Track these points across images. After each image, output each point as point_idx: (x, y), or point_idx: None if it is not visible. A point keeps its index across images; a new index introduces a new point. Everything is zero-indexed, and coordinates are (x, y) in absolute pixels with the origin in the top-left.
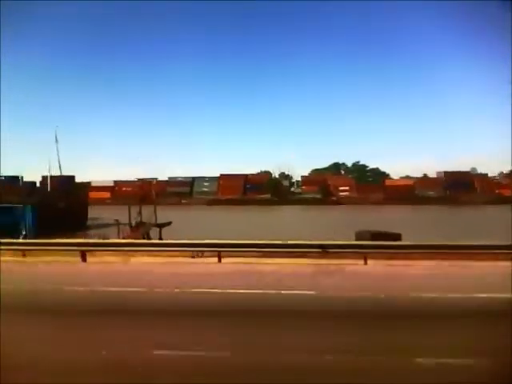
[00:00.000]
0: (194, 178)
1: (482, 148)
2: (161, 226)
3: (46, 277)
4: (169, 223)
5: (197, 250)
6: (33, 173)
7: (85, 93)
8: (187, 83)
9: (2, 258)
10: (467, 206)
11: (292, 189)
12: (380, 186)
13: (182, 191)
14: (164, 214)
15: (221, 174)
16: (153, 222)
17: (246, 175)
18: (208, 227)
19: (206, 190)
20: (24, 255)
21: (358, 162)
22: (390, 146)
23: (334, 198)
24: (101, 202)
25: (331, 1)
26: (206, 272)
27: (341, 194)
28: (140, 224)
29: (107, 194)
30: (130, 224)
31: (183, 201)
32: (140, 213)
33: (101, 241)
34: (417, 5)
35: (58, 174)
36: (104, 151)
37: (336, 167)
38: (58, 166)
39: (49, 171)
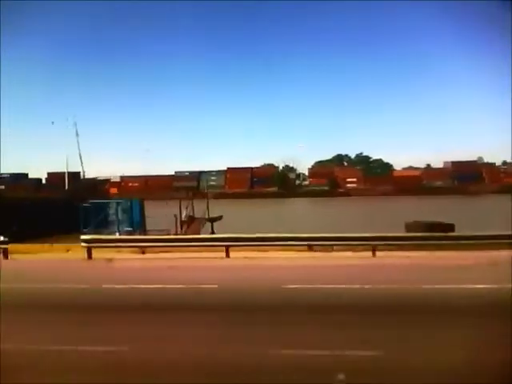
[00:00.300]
0: (200, 172)
1: (481, 139)
2: (213, 220)
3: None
4: (220, 217)
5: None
6: (32, 169)
7: (89, 88)
8: (190, 79)
9: (124, 256)
10: (477, 196)
11: (297, 181)
12: (387, 177)
13: (188, 185)
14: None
15: (228, 168)
16: (205, 216)
17: (253, 168)
18: (240, 221)
19: (213, 183)
20: (143, 252)
21: (361, 153)
22: (390, 137)
23: (341, 190)
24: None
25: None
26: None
27: (348, 185)
28: (190, 218)
29: (115, 190)
30: (180, 219)
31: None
32: (192, 207)
33: (245, 235)
34: (419, 4)
35: (79, 168)
36: (107, 146)
37: (339, 159)
38: (79, 160)
39: (66, 168)
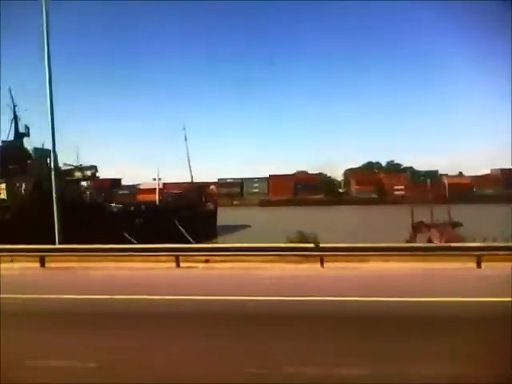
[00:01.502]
0: (242, 180)
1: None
2: (455, 225)
3: None
4: (460, 223)
5: None
6: None
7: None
8: (222, 89)
9: None
10: None
11: (340, 189)
12: (435, 184)
13: (232, 192)
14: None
15: (270, 175)
16: (447, 221)
17: (295, 175)
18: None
19: (256, 190)
20: None
21: (392, 161)
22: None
23: (389, 198)
24: None
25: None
26: None
27: (396, 193)
28: (421, 224)
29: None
30: (412, 225)
31: (234, 202)
32: (412, 212)
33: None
34: (419, 4)
35: (189, 174)
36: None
37: (369, 166)
38: (188, 166)
39: (157, 175)
